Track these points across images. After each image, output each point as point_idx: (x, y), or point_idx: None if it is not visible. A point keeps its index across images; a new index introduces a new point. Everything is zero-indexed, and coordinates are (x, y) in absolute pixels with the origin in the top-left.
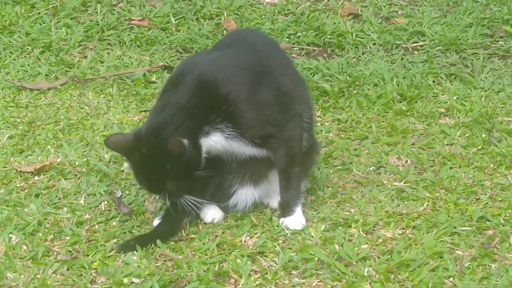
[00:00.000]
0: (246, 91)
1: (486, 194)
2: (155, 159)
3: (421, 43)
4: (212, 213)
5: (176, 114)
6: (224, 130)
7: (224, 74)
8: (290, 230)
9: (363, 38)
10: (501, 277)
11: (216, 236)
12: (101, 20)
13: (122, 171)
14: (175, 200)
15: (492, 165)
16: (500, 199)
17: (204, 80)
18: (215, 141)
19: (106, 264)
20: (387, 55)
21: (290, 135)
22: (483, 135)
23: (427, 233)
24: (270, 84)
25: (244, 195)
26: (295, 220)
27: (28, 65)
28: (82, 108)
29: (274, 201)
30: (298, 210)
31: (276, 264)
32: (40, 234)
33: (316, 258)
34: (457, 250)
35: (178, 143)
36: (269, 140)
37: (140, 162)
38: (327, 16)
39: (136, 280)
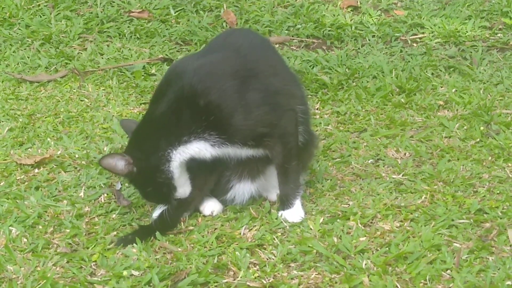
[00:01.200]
0: (229, 98)
1: (484, 187)
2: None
3: (420, 36)
4: (211, 206)
5: (149, 127)
6: (207, 139)
7: (205, 85)
8: (289, 222)
9: (362, 30)
10: (498, 269)
11: (215, 229)
12: (101, 12)
13: None
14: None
15: (490, 158)
16: (498, 191)
17: (184, 93)
18: (199, 148)
19: (105, 256)
20: (386, 48)
21: (284, 131)
22: (481, 128)
23: (425, 226)
24: (256, 86)
25: (242, 189)
26: (294, 213)
27: (28, 57)
28: (82, 101)
29: (273, 194)
30: (297, 203)
31: (275, 256)
32: (40, 227)
33: (315, 251)
34: (454, 242)
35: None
36: (263, 139)
37: None
38: (327, 8)
39: (135, 273)
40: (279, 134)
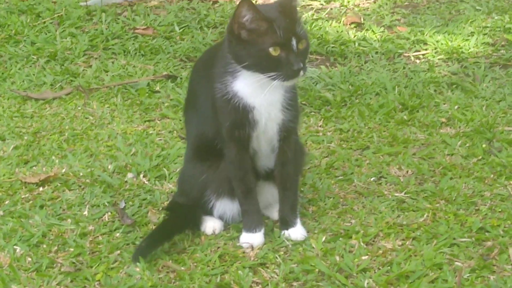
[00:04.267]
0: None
1: (485, 205)
2: None
3: (423, 52)
4: (211, 225)
5: None
6: None
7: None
8: (292, 241)
9: (365, 47)
10: None
11: (218, 248)
12: (106, 29)
13: (126, 181)
14: None
15: (492, 176)
16: (500, 210)
17: None
18: None
19: (109, 275)
20: (389, 64)
21: (297, 136)
22: (484, 145)
23: (426, 244)
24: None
25: (223, 208)
26: (297, 232)
27: (33, 74)
28: (86, 118)
29: (274, 213)
30: (299, 221)
31: (277, 275)
32: (45, 246)
33: (317, 270)
34: (456, 261)
35: None
36: (289, 139)
37: None
38: (330, 25)
39: None
40: (295, 139)
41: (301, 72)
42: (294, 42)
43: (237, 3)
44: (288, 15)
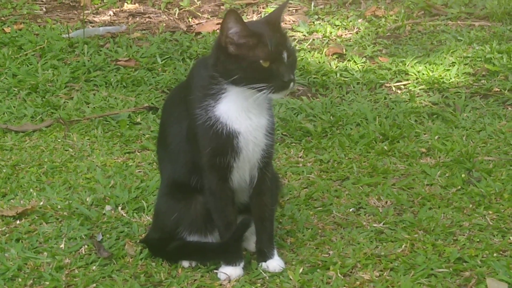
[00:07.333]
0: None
1: (464, 235)
2: None
3: (404, 82)
4: None
5: None
6: None
7: None
8: (269, 273)
9: (347, 77)
10: None
11: (195, 280)
12: (88, 61)
13: (104, 214)
14: None
15: (471, 206)
16: (478, 240)
17: None
18: None
19: None
20: (370, 95)
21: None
22: (463, 175)
23: (404, 275)
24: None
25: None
26: (275, 263)
27: (14, 107)
28: (66, 150)
29: (251, 245)
30: (276, 252)
31: None
32: (20, 280)
33: None
34: None
35: None
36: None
37: None
38: (312, 55)
39: None
40: (271, 169)
41: (291, 84)
42: (285, 55)
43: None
44: (277, 30)
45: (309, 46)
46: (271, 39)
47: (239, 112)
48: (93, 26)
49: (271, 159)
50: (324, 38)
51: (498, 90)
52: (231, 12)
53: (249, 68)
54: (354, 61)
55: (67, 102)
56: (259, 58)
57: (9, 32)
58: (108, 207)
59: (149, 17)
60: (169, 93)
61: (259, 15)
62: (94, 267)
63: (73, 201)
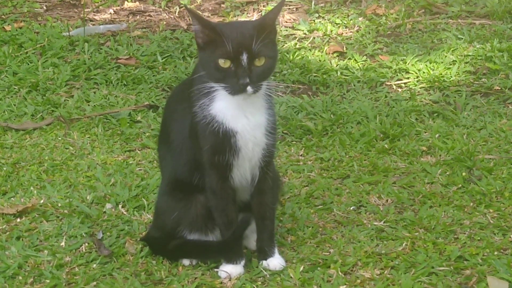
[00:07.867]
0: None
1: (464, 233)
2: None
3: (405, 81)
4: None
5: None
6: None
7: None
8: (270, 271)
9: (347, 76)
10: None
11: (196, 278)
12: (88, 59)
13: (104, 212)
14: None
15: (471, 204)
16: (479, 238)
17: None
18: None
19: None
20: (371, 93)
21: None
22: (464, 174)
23: (405, 273)
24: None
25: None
26: (275, 261)
27: (15, 105)
28: (66, 149)
29: (252, 243)
30: (277, 251)
31: None
32: (20, 277)
33: None
34: None
35: None
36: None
37: None
38: (313, 54)
39: None
40: (273, 166)
41: (249, 88)
42: (244, 57)
43: None
44: (245, 31)
45: (309, 45)
46: (232, 39)
47: (235, 110)
48: (93, 24)
49: (273, 158)
50: (324, 37)
51: (499, 88)
52: (189, 10)
53: (210, 66)
54: (355, 60)
55: (68, 100)
56: (217, 57)
57: (10, 30)
58: (108, 205)
59: (149, 15)
60: (173, 90)
61: (260, 13)
62: (94, 265)
63: (74, 199)
